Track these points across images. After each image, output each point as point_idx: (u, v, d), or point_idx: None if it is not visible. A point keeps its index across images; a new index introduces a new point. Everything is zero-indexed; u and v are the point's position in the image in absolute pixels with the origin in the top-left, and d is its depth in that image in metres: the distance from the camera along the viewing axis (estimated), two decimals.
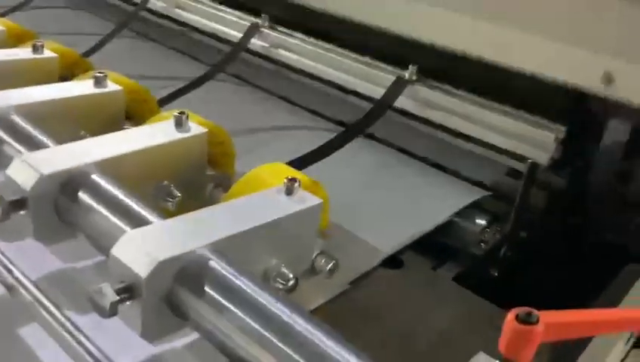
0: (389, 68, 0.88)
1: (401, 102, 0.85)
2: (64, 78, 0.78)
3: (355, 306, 0.61)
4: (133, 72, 1.01)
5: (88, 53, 1.02)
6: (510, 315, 0.32)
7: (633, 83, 0.67)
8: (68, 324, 0.42)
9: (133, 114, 0.73)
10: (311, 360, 0.36)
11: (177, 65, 1.15)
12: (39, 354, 0.46)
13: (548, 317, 0.32)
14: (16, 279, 0.43)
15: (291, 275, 0.48)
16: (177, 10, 1.15)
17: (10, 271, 0.45)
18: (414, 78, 0.84)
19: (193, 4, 1.12)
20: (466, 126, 0.81)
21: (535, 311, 0.32)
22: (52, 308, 0.42)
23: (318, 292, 0.59)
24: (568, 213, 0.82)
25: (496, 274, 0.78)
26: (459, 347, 0.58)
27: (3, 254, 0.48)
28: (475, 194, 0.80)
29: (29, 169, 0.48)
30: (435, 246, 0.74)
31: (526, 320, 0.32)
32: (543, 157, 0.76)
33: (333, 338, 0.36)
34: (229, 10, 1.09)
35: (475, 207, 0.79)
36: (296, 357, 0.36)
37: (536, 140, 0.75)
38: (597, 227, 0.81)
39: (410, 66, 0.85)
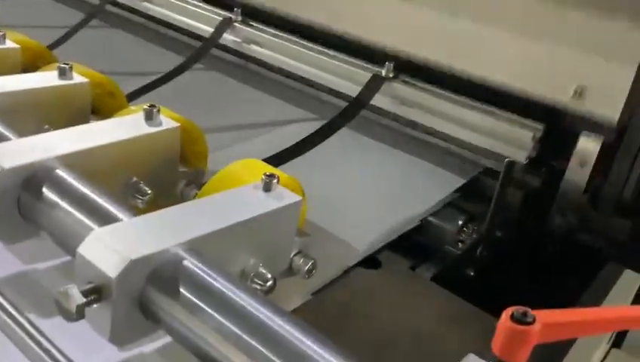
0: (366, 65, 0.87)
1: (378, 99, 0.84)
2: (27, 70, 0.74)
3: (333, 306, 0.59)
4: (101, 65, 0.98)
5: (54, 46, 0.98)
6: (504, 315, 0.31)
7: (604, 97, 0.68)
8: (30, 328, 0.39)
9: (100, 108, 0.69)
10: (290, 360, 0.34)
11: (148, 58, 1.12)
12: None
13: (545, 317, 0.31)
14: None
15: (269, 275, 0.46)
16: (145, 4, 1.11)
17: None
18: (391, 75, 0.83)
19: None
20: (443, 124, 0.80)
21: (531, 311, 0.31)
22: (13, 312, 0.39)
23: (296, 292, 0.57)
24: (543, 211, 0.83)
25: (472, 273, 0.77)
26: (437, 346, 0.57)
27: None
28: (451, 193, 0.79)
29: None
30: (413, 245, 0.73)
31: (521, 319, 0.30)
32: (520, 156, 0.75)
33: (313, 338, 0.35)
34: (200, 3, 1.06)
35: (452, 206, 0.79)
36: (274, 358, 0.34)
37: (513, 139, 0.75)
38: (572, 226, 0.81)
39: (386, 63, 0.83)
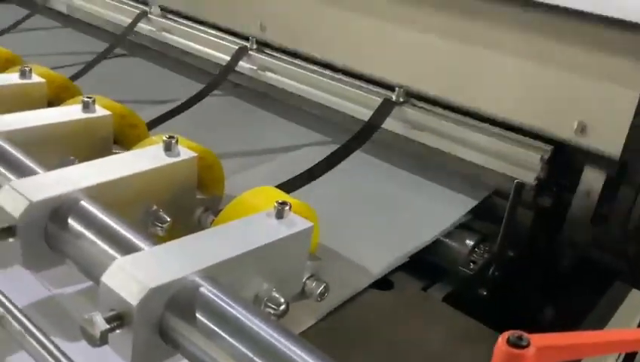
0: (377, 90, 0.89)
1: (389, 123, 0.86)
2: (52, 102, 0.78)
3: (345, 327, 0.61)
4: (123, 93, 1.03)
5: (77, 76, 1.03)
6: (501, 339, 0.32)
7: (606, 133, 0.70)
8: (57, 353, 0.42)
9: (122, 138, 0.73)
10: None
11: (168, 86, 1.16)
12: None
13: (539, 341, 0.32)
14: (6, 308, 0.43)
15: (282, 300, 0.48)
16: (165, 34, 1.16)
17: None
18: (402, 99, 0.85)
19: (181, 27, 1.13)
20: (453, 146, 0.82)
21: (526, 335, 0.32)
22: (41, 337, 0.42)
23: (308, 313, 0.59)
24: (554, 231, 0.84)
25: (485, 293, 0.78)
26: None
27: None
28: (462, 215, 0.81)
29: (18, 196, 0.48)
30: (426, 266, 0.75)
31: (517, 343, 0.32)
32: (529, 177, 0.77)
33: None
34: (217, 33, 1.10)
35: (464, 227, 0.80)
36: None
37: (521, 160, 0.77)
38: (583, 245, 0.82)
39: (396, 88, 0.86)
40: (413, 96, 0.86)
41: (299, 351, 0.37)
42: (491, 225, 0.81)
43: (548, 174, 0.78)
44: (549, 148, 0.76)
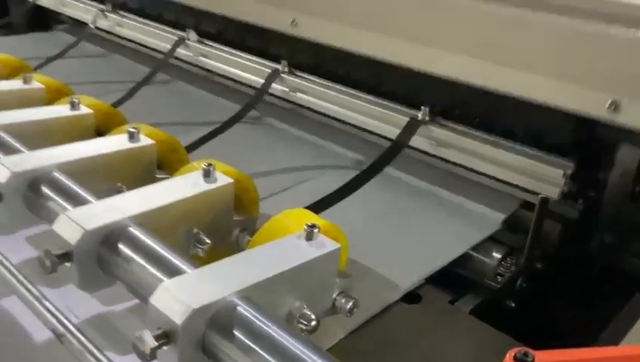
0: (403, 109, 0.93)
1: (416, 140, 0.90)
2: (99, 129, 0.84)
3: (374, 340, 0.64)
4: (162, 117, 1.09)
5: (121, 101, 1.09)
6: (508, 355, 0.36)
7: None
8: None
9: (164, 163, 0.78)
10: None
11: (206, 108, 1.21)
12: None
13: (543, 357, 0.35)
14: (65, 327, 0.48)
15: (313, 316, 0.52)
16: (202, 58, 1.22)
17: (58, 320, 0.50)
18: (427, 118, 0.89)
19: (217, 52, 1.19)
20: (478, 163, 0.85)
21: (531, 351, 0.36)
22: (98, 354, 0.47)
23: (339, 327, 0.62)
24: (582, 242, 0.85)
25: (513, 305, 0.80)
26: None
27: (52, 304, 0.53)
28: (489, 229, 0.83)
29: (73, 225, 0.53)
30: (453, 279, 0.78)
31: (522, 359, 0.35)
32: (553, 192, 0.79)
33: None
34: (251, 57, 1.15)
35: (490, 240, 0.83)
36: None
37: (545, 176, 0.79)
38: (611, 256, 0.83)
39: (422, 107, 0.89)
40: (440, 114, 0.89)
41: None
42: (519, 238, 0.84)
43: (573, 187, 0.80)
44: (571, 163, 0.78)
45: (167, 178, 0.73)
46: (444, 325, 0.70)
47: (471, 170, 0.88)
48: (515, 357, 0.35)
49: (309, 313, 0.52)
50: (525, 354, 0.35)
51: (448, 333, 0.68)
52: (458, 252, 0.79)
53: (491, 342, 0.67)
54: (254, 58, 1.15)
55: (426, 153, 0.91)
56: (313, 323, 0.52)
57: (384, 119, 0.95)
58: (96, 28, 1.43)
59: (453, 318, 0.72)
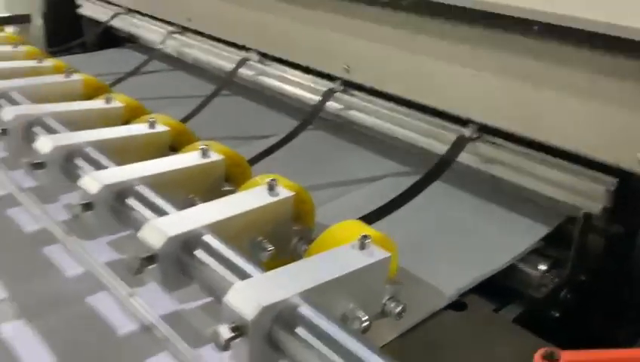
0: (451, 126, 0.98)
1: (463, 156, 0.95)
2: (173, 145, 0.93)
3: (420, 344, 0.69)
4: (226, 131, 1.18)
5: (188, 117, 1.18)
6: (537, 355, 0.41)
7: None
8: (189, 356, 0.54)
9: (229, 176, 0.86)
10: None
11: (265, 122, 1.30)
12: None
13: (569, 356, 0.40)
14: (153, 317, 0.56)
15: (365, 318, 0.58)
16: (262, 77, 1.30)
17: (145, 314, 0.58)
18: (474, 135, 0.94)
19: (277, 71, 1.27)
20: (524, 179, 0.89)
21: (558, 351, 0.41)
22: (179, 344, 0.54)
23: (388, 330, 0.68)
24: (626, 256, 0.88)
25: (556, 315, 0.84)
26: None
27: (140, 298, 0.61)
28: (534, 241, 0.87)
29: (158, 232, 0.61)
30: (497, 289, 0.82)
31: (549, 358, 0.40)
32: (595, 207, 0.82)
33: None
34: (307, 75, 1.23)
35: (535, 252, 0.87)
36: None
37: (588, 192, 0.82)
38: None
39: (470, 125, 0.94)
40: (487, 132, 0.94)
41: (378, 358, 0.47)
42: (564, 250, 0.87)
43: (616, 203, 0.83)
44: (614, 180, 0.81)
45: (233, 190, 0.81)
46: (488, 332, 0.74)
47: (517, 185, 0.92)
48: (543, 357, 0.40)
49: (361, 314, 0.58)
50: (551, 354, 0.40)
51: (492, 340, 0.73)
52: (503, 262, 0.83)
53: (534, 350, 0.71)
54: (311, 77, 1.22)
55: (472, 167, 0.96)
56: (365, 324, 0.58)
57: (433, 135, 1.00)
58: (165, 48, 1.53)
59: (497, 326, 0.76)
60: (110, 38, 1.85)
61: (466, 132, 0.94)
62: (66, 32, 1.85)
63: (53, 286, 0.76)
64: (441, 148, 0.98)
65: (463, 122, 0.96)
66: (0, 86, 0.99)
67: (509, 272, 0.84)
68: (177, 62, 1.61)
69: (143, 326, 0.60)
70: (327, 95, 1.14)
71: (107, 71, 1.47)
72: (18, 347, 0.66)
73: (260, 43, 1.29)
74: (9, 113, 0.88)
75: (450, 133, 0.97)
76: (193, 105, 1.23)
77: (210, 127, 1.17)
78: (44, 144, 0.78)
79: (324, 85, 1.17)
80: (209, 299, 0.65)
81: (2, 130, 0.87)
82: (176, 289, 0.63)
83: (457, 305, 0.76)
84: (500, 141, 0.93)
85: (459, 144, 0.93)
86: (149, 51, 1.59)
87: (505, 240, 0.88)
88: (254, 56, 1.30)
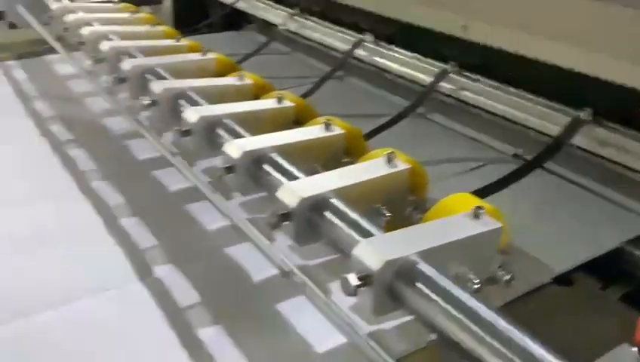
0: (566, 108, 1.00)
1: (576, 139, 0.96)
2: (296, 120, 1.01)
3: (525, 314, 0.73)
4: (340, 109, 1.25)
5: (306, 95, 1.27)
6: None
7: None
8: (323, 296, 0.63)
9: (347, 149, 0.93)
10: (495, 338, 0.51)
11: (377, 102, 1.36)
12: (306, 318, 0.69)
13: None
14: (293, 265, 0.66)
15: (477, 281, 0.63)
16: (376, 58, 1.36)
17: (284, 262, 0.67)
18: (590, 118, 0.95)
19: (390, 53, 1.33)
20: (638, 163, 0.90)
21: None
22: (315, 288, 0.63)
23: (495, 297, 0.73)
24: None
25: None
26: None
27: (280, 251, 0.71)
28: None
29: (292, 193, 0.69)
30: (605, 269, 0.84)
31: None
32: None
33: (516, 327, 0.51)
34: (420, 57, 1.28)
35: None
36: (487, 338, 0.51)
37: None
38: None
39: (586, 108, 0.95)
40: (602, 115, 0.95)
41: (492, 314, 0.53)
42: None
43: None
44: None
45: (351, 161, 0.88)
46: (593, 309, 0.77)
47: (631, 169, 0.92)
48: None
49: (473, 277, 0.64)
50: None
51: (597, 316, 0.75)
52: (612, 244, 0.85)
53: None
54: (423, 58, 1.27)
55: (585, 151, 0.97)
56: (476, 286, 0.63)
57: (547, 118, 1.02)
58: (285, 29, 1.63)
59: (603, 303, 0.78)
60: (230, 20, 1.98)
61: (582, 114, 0.95)
62: (192, 13, 2.01)
63: (198, 237, 0.89)
64: (553, 129, 0.99)
65: (577, 104, 0.97)
66: (147, 62, 1.13)
67: (617, 254, 0.86)
68: (294, 44, 1.70)
69: (281, 272, 0.70)
70: (440, 76, 1.18)
71: (230, 51, 1.59)
72: (170, 286, 0.78)
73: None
74: (158, 86, 1.00)
75: (563, 116, 0.98)
76: (309, 85, 1.32)
77: (325, 104, 1.24)
78: (192, 114, 0.90)
79: (437, 67, 1.21)
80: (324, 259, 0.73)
81: (152, 100, 1.00)
82: (305, 244, 0.72)
83: (564, 280, 0.79)
84: (616, 126, 0.93)
85: (574, 126, 0.95)
86: (269, 33, 1.69)
87: (615, 223, 0.89)
88: (369, 38, 1.36)
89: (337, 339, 0.66)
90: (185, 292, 0.77)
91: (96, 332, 0.71)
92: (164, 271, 0.81)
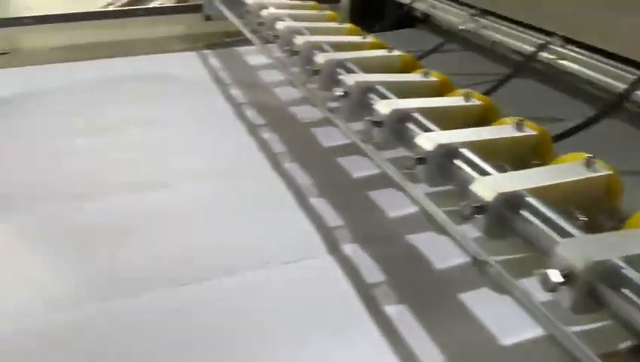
0: None
1: None
2: (480, 119, 1.03)
3: None
4: (520, 111, 1.24)
5: (488, 93, 1.27)
6: None
7: None
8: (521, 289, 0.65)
9: (536, 151, 0.93)
10: None
11: (558, 106, 1.33)
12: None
13: None
14: (485, 257, 0.68)
15: None
16: (561, 62, 1.32)
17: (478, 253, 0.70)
18: None
19: (578, 56, 1.28)
20: None
21: None
22: (509, 277, 0.65)
23: None
24: None
25: None
26: None
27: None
28: None
29: (488, 187, 0.72)
30: None
31: None
32: None
33: None
34: (610, 61, 1.22)
35: None
36: None
37: None
38: None
39: None
40: None
41: None
42: None
43: None
44: None
45: (540, 164, 0.88)
46: None
47: None
48: None
49: None
50: None
51: None
52: None
53: None
54: (614, 63, 1.21)
55: None
56: None
57: None
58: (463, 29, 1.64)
59: None
60: (402, 19, 2.02)
61: None
62: (368, 12, 2.08)
63: (380, 221, 0.94)
64: None
65: None
66: (339, 57, 1.20)
67: None
68: (468, 44, 1.70)
69: (473, 261, 0.72)
70: (636, 84, 1.12)
71: (404, 49, 1.63)
72: (358, 263, 0.84)
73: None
74: (351, 80, 1.07)
75: None
76: (485, 85, 1.31)
77: (508, 106, 1.23)
78: (384, 107, 0.95)
79: (633, 73, 1.15)
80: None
81: (344, 92, 1.07)
82: (495, 238, 0.73)
83: None
84: None
85: None
86: (442, 32, 1.70)
87: None
88: (557, 41, 1.33)
89: (523, 333, 0.68)
90: (370, 271, 0.82)
91: (291, 298, 0.79)
92: (352, 249, 0.87)
